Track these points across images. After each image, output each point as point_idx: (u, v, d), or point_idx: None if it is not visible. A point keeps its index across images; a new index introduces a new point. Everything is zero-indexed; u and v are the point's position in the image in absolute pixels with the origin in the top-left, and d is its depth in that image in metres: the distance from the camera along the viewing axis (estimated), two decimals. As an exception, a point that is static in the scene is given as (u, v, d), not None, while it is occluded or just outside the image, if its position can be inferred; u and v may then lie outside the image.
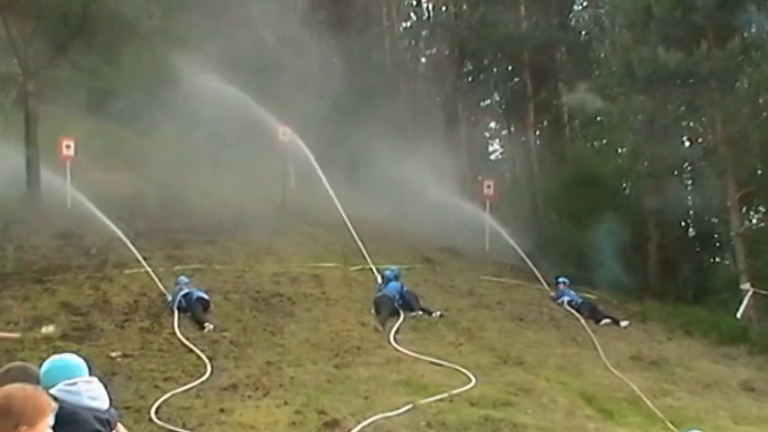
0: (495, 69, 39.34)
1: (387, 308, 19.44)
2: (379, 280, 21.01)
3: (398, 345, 17.57)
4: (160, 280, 19.42)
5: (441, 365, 16.46)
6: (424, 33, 40.47)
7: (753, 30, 25.44)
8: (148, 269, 19.80)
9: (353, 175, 30.16)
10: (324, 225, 25.47)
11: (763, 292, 24.29)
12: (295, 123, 26.06)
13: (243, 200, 25.27)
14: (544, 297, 23.40)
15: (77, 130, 26.30)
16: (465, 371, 16.10)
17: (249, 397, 14.43)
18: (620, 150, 34.22)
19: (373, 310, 19.51)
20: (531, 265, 25.65)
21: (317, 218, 25.72)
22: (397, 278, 20.74)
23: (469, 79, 38.61)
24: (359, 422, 13.21)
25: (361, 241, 24.19)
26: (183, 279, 19.11)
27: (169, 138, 27.51)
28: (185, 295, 18.32)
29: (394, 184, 28.37)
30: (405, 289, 20.43)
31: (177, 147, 27.38)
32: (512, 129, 41.41)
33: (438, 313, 19.93)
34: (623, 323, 22.07)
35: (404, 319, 19.19)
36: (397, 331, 18.42)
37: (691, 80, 25.33)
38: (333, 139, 30.14)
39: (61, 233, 21.87)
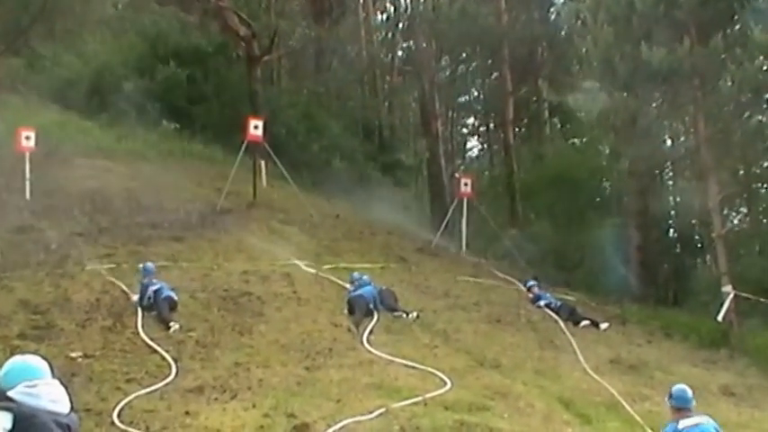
0: (473, 64, 39.11)
1: (362, 308, 18.91)
2: (349, 285, 20.40)
3: (371, 346, 17.10)
4: (123, 278, 18.82)
5: (415, 368, 16.00)
6: (400, 25, 40.16)
7: (737, 27, 25.06)
8: (104, 272, 19.23)
9: (326, 171, 29.73)
10: (296, 223, 25.02)
11: (744, 295, 24.01)
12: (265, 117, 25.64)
13: (211, 195, 24.81)
14: (522, 298, 23.03)
15: (38, 120, 25.78)
16: (440, 374, 15.68)
17: (216, 399, 13.91)
18: (600, 149, 33.92)
19: (346, 310, 19.01)
20: (508, 265, 25.38)
21: (289, 215, 25.30)
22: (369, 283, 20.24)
23: (447, 73, 38.32)
24: (329, 426, 12.83)
25: (335, 240, 23.84)
26: (150, 266, 18.52)
27: (134, 129, 27.09)
28: (156, 291, 17.68)
29: (369, 181, 28.09)
30: (381, 288, 19.95)
31: (143, 139, 26.95)
32: (490, 125, 41.19)
33: (414, 314, 19.45)
34: (602, 326, 21.72)
35: (378, 321, 18.71)
36: (370, 333, 17.94)
37: (673, 78, 24.95)
38: (306, 133, 29.81)
39: (19, 227, 21.31)
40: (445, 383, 15.21)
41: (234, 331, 17.12)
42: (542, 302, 22.36)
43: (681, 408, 10.72)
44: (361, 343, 17.26)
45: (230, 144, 26.72)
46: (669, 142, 31.04)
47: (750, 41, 23.65)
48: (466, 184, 28.04)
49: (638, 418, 15.27)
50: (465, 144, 45.20)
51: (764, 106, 26.71)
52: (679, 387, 10.87)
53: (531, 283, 23.43)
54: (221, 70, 30.92)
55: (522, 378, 16.50)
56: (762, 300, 23.89)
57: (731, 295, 23.83)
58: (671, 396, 10.83)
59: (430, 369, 15.97)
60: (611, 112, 26.82)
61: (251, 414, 13.30)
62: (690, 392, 10.77)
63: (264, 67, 31.72)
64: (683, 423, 10.53)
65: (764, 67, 24.66)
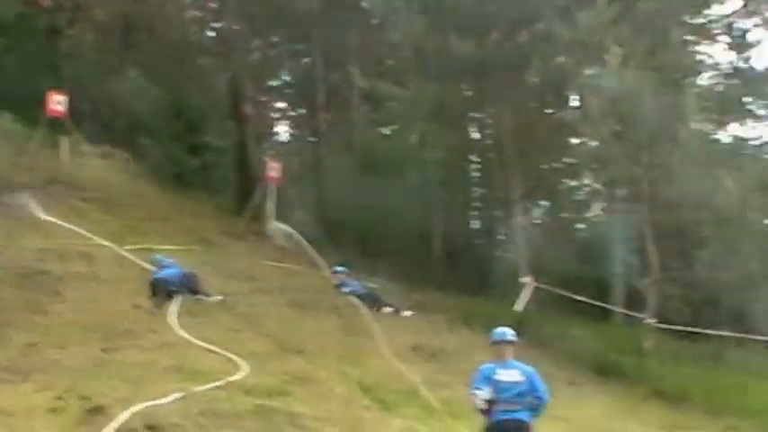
0: (285, 47, 38.84)
1: (163, 291, 18.66)
2: (152, 267, 20.01)
3: (173, 329, 16.81)
4: None
5: (216, 352, 15.75)
6: (211, 5, 39.47)
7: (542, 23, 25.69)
8: None
9: (132, 150, 29.03)
10: (98, 201, 24.36)
11: (543, 286, 24.65)
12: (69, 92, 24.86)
13: (8, 170, 23.87)
14: (326, 284, 23.15)
15: None
16: (241, 358, 15.49)
17: (5, 381, 13.37)
18: (409, 138, 34.18)
19: (150, 293, 18.64)
20: (314, 251, 25.41)
21: (91, 193, 24.61)
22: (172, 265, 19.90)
23: (258, 56, 37.93)
24: (125, 409, 12.25)
25: (139, 220, 23.39)
26: None
27: None
28: None
29: (175, 161, 27.58)
30: (185, 271, 19.65)
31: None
32: (300, 110, 41.05)
33: (218, 298, 19.26)
34: (405, 313, 21.99)
35: (180, 303, 18.39)
36: (172, 315, 17.64)
37: (481, 70, 25.40)
38: (111, 110, 29.06)
39: None
40: (246, 368, 15.03)
41: (27, 310, 16.61)
42: (347, 289, 22.46)
43: (496, 341, 10.99)
44: (163, 325, 16.97)
45: (31, 118, 25.72)
46: (476, 133, 31.51)
47: (554, 38, 24.29)
48: (274, 169, 27.93)
49: (435, 405, 15.48)
50: (272, 128, 44.89)
51: (566, 102, 27.55)
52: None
53: (338, 269, 23.46)
54: (23, 42, 29.75)
55: (324, 364, 16.45)
56: (558, 291, 24.57)
57: (529, 286, 24.51)
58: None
59: (231, 353, 15.77)
60: (419, 101, 27.10)
61: (43, 396, 12.79)
62: (508, 329, 11.13)
63: (69, 41, 30.74)
64: (501, 373, 10.67)
65: (568, 65, 25.42)
